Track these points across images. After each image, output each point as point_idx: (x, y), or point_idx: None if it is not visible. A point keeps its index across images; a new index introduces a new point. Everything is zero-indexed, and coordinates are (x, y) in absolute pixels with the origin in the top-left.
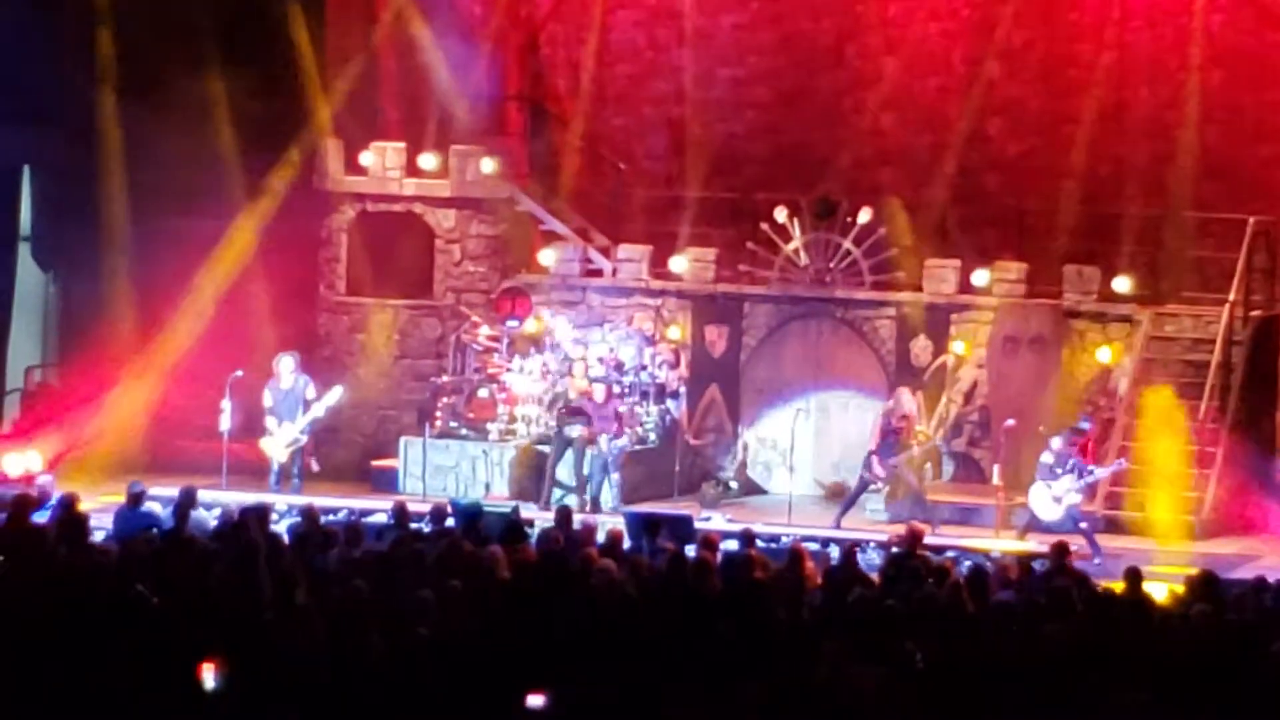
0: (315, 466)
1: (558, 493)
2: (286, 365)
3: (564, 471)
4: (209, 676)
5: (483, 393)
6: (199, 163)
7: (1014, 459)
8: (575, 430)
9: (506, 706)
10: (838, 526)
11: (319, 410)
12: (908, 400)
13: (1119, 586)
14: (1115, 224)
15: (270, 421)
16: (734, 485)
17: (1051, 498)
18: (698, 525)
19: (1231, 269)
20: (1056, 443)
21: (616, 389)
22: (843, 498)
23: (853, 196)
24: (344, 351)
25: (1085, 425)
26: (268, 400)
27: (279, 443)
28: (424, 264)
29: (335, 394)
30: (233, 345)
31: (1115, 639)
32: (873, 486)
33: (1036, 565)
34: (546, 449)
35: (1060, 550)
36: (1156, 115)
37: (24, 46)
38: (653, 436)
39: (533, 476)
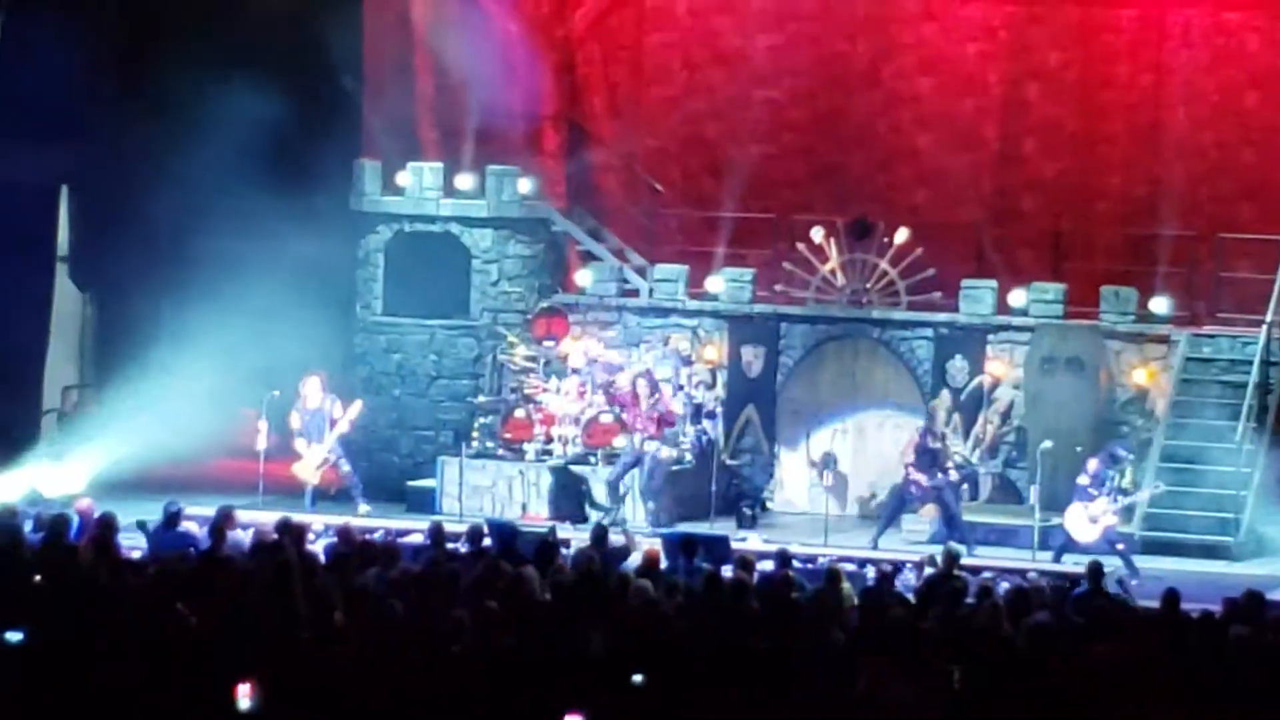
0: (365, 508)
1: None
2: (313, 386)
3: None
4: (244, 698)
5: (519, 413)
6: (236, 182)
7: (1051, 480)
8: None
9: None
10: (874, 547)
11: (344, 426)
12: (943, 416)
13: (1156, 607)
14: (1152, 245)
15: (299, 443)
16: (770, 505)
17: (1088, 518)
18: (734, 545)
19: (1268, 290)
20: (1093, 464)
21: (655, 395)
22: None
23: (889, 217)
24: (380, 372)
25: (1125, 453)
26: (295, 422)
27: (309, 465)
28: (461, 284)
29: (356, 408)
30: (269, 365)
31: (1152, 660)
32: (910, 506)
33: (1072, 587)
34: (579, 469)
35: (1095, 572)
36: (1193, 136)
37: (62, 66)
38: (689, 457)
39: (570, 497)
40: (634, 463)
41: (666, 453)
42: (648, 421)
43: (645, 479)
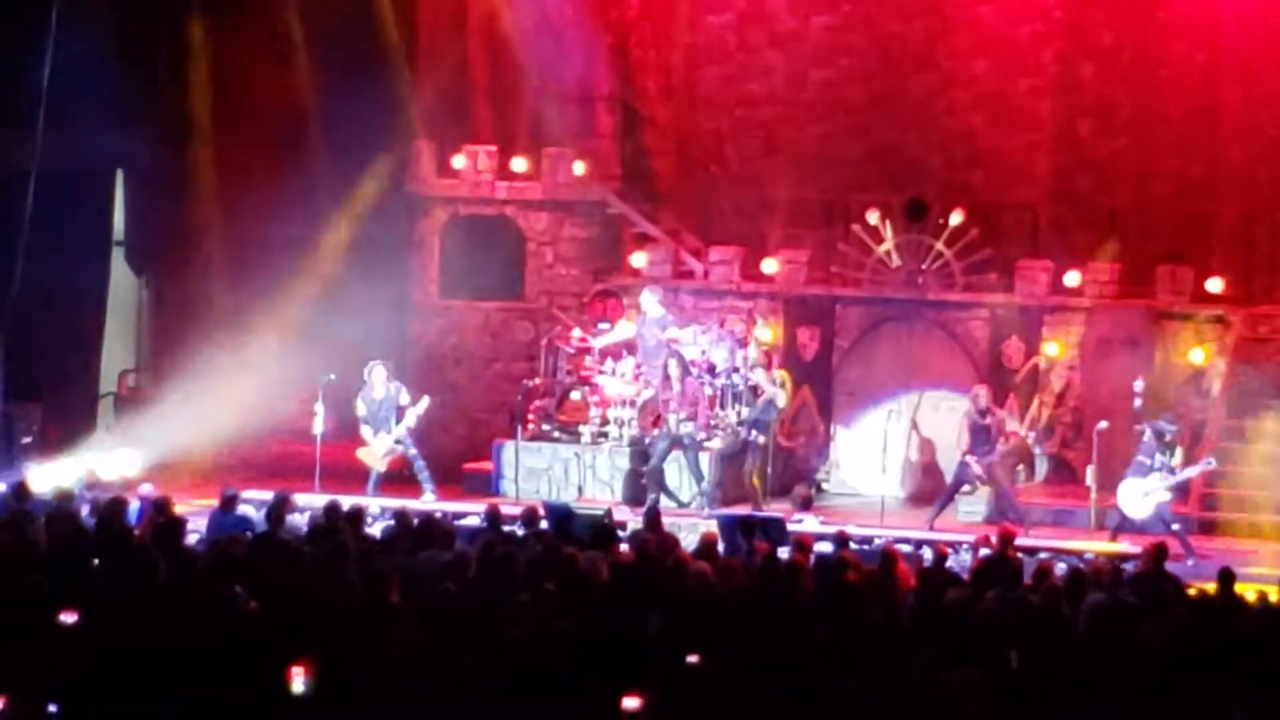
0: (431, 495)
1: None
2: (379, 375)
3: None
4: (298, 680)
5: (575, 395)
6: (291, 166)
7: (1107, 460)
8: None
9: (600, 708)
10: (931, 528)
11: (410, 419)
12: (984, 395)
13: (1212, 588)
14: (1208, 224)
15: (365, 431)
16: (825, 487)
17: (1141, 493)
18: (790, 527)
19: None
20: (1148, 438)
21: (687, 376)
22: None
23: (944, 198)
24: (437, 354)
25: (1170, 427)
26: (360, 410)
27: (375, 453)
28: (516, 267)
29: (424, 404)
30: (325, 348)
31: (1207, 641)
32: (966, 488)
33: (1128, 567)
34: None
35: (1158, 553)
36: (1249, 115)
37: (117, 52)
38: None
39: (633, 479)
40: (671, 446)
41: (707, 433)
42: (682, 403)
43: (692, 460)
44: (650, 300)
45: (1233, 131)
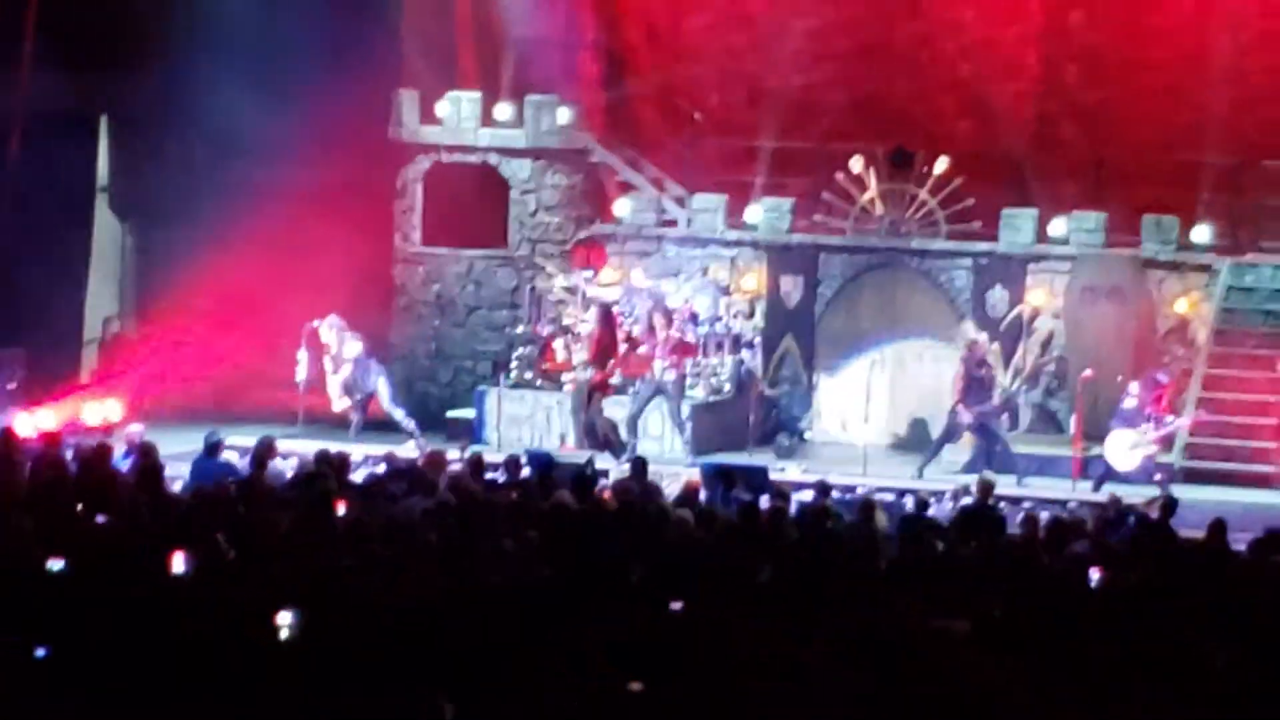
0: (414, 445)
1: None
2: (328, 333)
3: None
4: (284, 626)
5: (557, 344)
6: (275, 112)
7: (1091, 410)
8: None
9: (582, 656)
10: (919, 477)
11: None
12: (985, 343)
13: (1200, 538)
14: (1194, 173)
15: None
16: (808, 435)
17: (1127, 446)
18: (773, 477)
19: None
20: (1135, 389)
21: (670, 325)
22: None
23: (929, 146)
24: (419, 302)
25: (1162, 378)
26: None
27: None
28: (499, 215)
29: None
30: (308, 295)
31: (1194, 590)
32: (956, 437)
33: (1113, 516)
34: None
35: (1167, 505)
36: (1236, 63)
37: None
38: (727, 387)
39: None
40: (653, 394)
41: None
42: (666, 351)
43: (674, 409)
44: (639, 275)
45: (1220, 79)
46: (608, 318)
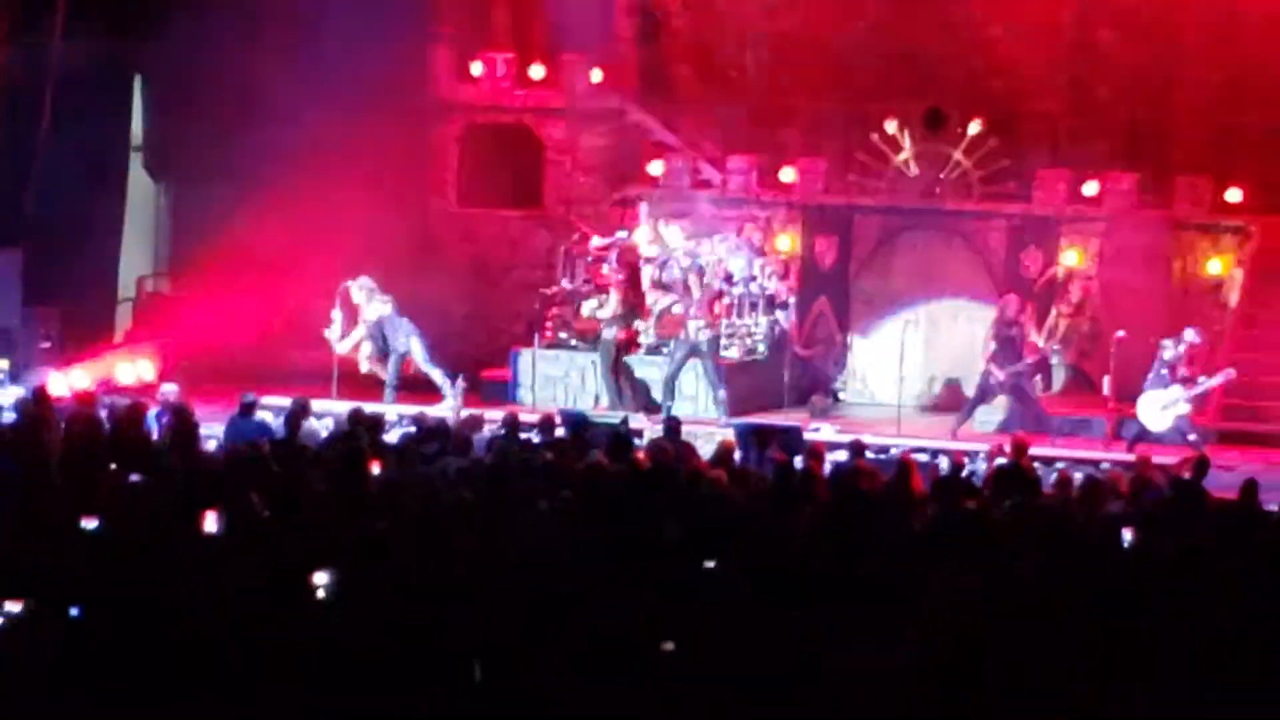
0: (451, 403)
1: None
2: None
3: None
4: (317, 586)
5: (591, 303)
6: (309, 71)
7: (1124, 371)
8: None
9: (617, 617)
10: (954, 437)
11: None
12: (1015, 304)
13: (1233, 499)
14: (1228, 135)
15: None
16: (842, 396)
17: (1160, 405)
18: (807, 436)
19: None
20: (1168, 350)
21: (705, 285)
22: None
23: (963, 107)
24: (455, 262)
25: (1195, 338)
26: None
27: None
28: (534, 175)
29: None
30: (343, 255)
31: (1226, 551)
32: (990, 398)
33: (1146, 476)
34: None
35: (1199, 465)
36: (1271, 23)
37: None
38: (761, 348)
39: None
40: (688, 355)
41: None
42: (701, 309)
43: (709, 368)
44: (674, 233)
45: (1254, 40)
46: (634, 274)
